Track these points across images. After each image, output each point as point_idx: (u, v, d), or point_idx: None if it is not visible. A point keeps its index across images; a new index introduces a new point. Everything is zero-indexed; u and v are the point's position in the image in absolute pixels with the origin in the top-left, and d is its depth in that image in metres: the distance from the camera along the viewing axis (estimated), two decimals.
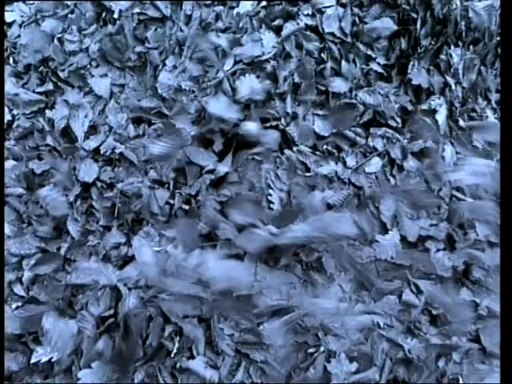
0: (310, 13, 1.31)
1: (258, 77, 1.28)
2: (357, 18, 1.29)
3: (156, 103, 1.30)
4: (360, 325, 1.12)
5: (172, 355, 1.12)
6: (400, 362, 1.12)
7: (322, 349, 1.12)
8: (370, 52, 1.29)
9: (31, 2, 1.39)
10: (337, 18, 1.30)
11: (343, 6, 1.31)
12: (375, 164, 1.24)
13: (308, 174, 1.22)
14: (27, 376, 1.15)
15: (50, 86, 1.33)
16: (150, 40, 1.33)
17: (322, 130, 1.25)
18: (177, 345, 1.13)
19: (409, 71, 1.27)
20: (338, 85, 1.27)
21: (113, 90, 1.33)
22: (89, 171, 1.25)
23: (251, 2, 1.34)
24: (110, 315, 1.16)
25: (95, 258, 1.20)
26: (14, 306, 1.18)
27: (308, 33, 1.28)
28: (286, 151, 1.24)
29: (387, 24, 1.29)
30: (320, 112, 1.27)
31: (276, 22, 1.32)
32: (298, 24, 1.29)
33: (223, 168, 1.22)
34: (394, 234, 1.17)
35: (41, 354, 1.14)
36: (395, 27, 1.29)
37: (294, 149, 1.25)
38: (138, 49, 1.34)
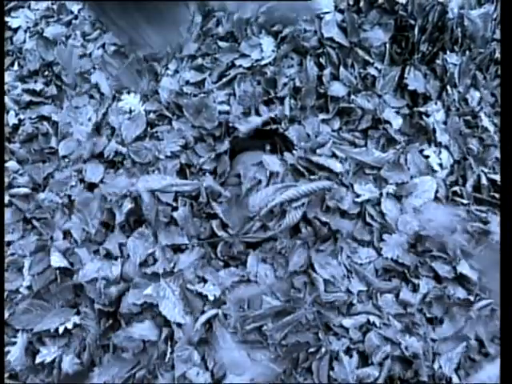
0: (308, 18, 1.34)
1: (258, 82, 1.30)
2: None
3: (157, 106, 1.33)
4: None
5: (167, 359, 1.14)
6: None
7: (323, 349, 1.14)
8: (367, 57, 1.32)
9: (36, 8, 1.41)
10: (335, 24, 1.33)
11: (341, 11, 1.34)
12: None
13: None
14: None
15: (54, 90, 1.36)
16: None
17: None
18: (169, 349, 1.15)
19: (405, 76, 1.30)
20: (337, 89, 1.30)
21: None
22: (95, 172, 1.27)
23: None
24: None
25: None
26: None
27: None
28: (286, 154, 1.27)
29: (379, 35, 1.32)
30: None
31: (275, 28, 1.34)
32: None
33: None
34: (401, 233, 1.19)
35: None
36: (386, 39, 1.32)
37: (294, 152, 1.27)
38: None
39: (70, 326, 1.18)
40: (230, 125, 1.28)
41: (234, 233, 1.19)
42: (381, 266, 1.18)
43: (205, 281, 1.18)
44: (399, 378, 1.12)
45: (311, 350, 1.14)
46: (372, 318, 1.14)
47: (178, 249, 1.22)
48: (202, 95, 1.30)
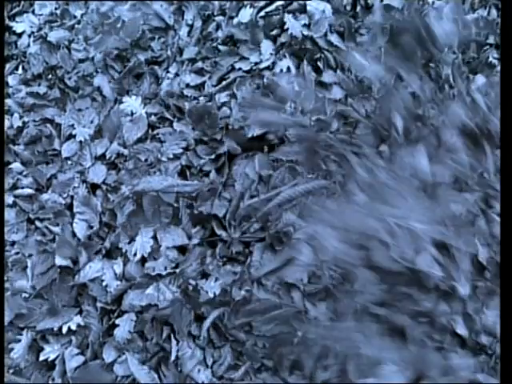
0: (306, 23, 1.36)
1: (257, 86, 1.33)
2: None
3: (159, 109, 1.35)
4: None
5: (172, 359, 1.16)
6: None
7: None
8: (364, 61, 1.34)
9: (40, 13, 1.44)
10: (333, 28, 1.35)
11: (339, 16, 1.37)
12: None
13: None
14: None
15: (57, 93, 1.39)
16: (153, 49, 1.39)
17: None
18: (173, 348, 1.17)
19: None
20: (334, 92, 1.32)
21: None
22: (98, 173, 1.30)
23: (250, 12, 1.39)
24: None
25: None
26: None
27: None
28: None
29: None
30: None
31: (274, 32, 1.37)
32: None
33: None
34: None
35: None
36: (382, 43, 1.34)
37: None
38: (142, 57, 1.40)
39: (72, 324, 1.20)
40: (230, 127, 1.30)
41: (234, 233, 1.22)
42: None
43: (206, 278, 1.21)
44: None
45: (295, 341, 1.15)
46: None
47: (179, 249, 1.24)
48: (202, 98, 1.33)
